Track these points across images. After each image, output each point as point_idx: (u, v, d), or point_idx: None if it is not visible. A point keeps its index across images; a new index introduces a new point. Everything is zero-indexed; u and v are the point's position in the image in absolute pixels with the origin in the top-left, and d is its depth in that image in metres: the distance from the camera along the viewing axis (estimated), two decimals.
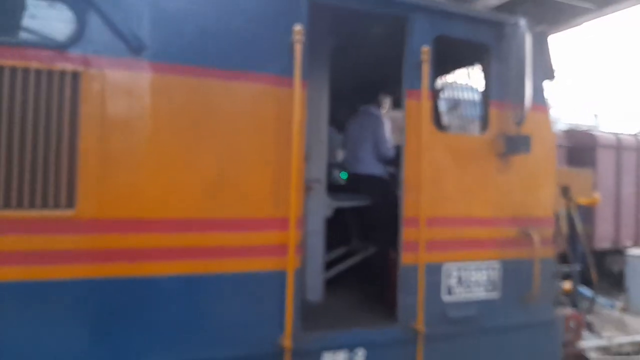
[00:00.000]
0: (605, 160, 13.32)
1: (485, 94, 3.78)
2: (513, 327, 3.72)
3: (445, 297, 3.52)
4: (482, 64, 3.93)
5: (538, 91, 3.76)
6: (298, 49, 3.02)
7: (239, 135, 2.98)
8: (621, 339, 9.12)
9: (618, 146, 13.95)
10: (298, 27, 3.01)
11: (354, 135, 4.72)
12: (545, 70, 3.86)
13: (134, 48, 2.74)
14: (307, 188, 3.80)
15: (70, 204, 2.65)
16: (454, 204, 3.57)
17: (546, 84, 3.93)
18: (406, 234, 3.41)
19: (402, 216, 3.42)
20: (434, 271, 3.47)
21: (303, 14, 3.09)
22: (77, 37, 2.66)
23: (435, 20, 3.51)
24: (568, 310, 4.20)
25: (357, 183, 4.69)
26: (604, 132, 16.12)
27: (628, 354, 8.74)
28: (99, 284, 2.69)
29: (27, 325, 2.57)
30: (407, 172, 3.43)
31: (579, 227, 4.43)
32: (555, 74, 3.92)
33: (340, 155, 5.95)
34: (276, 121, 3.05)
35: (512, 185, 3.73)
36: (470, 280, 3.59)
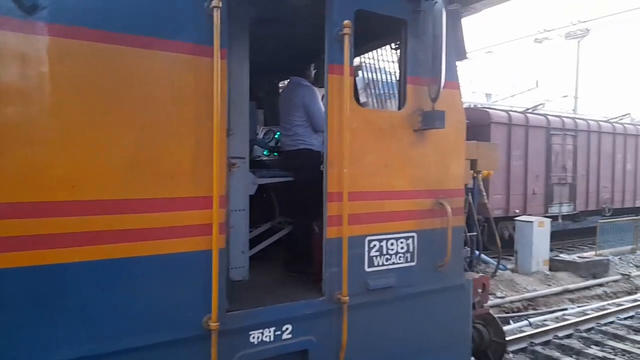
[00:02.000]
0: (497, 136, 14.46)
1: (402, 70, 3.87)
2: (428, 293, 3.94)
3: (367, 268, 3.63)
4: (398, 39, 4.01)
5: (451, 68, 3.91)
6: (217, 15, 2.86)
7: (154, 109, 2.78)
8: (513, 297, 10.17)
9: (509, 123, 15.21)
10: None
11: (285, 109, 4.56)
12: (457, 49, 4.03)
13: (26, 7, 2.41)
14: (231, 165, 3.69)
15: None
16: (375, 178, 3.65)
17: (457, 62, 4.12)
18: (330, 208, 3.45)
19: (326, 191, 3.45)
20: (357, 243, 3.56)
21: None
22: None
23: None
24: (476, 274, 4.55)
25: (289, 159, 4.59)
26: (497, 109, 17.49)
27: (519, 309, 9.78)
28: None
29: None
30: (330, 148, 3.44)
31: (485, 197, 4.80)
32: (466, 54, 4.13)
33: (261, 131, 5.85)
34: (195, 93, 2.89)
35: (428, 158, 3.89)
36: (390, 250, 3.73)
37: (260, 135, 5.67)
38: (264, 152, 5.46)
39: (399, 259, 3.78)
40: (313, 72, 4.71)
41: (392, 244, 3.73)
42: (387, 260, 3.71)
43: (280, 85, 6.43)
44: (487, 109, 16.21)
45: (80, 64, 2.58)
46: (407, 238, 3.81)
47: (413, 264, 3.85)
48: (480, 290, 4.47)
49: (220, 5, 2.86)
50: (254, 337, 3.18)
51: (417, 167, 3.85)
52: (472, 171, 4.57)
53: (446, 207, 3.89)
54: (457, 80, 4.09)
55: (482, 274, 4.62)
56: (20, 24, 2.42)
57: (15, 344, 2.46)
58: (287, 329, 3.30)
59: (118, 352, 2.71)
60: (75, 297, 2.60)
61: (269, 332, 3.23)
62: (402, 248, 3.78)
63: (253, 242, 4.36)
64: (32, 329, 2.49)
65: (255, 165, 4.64)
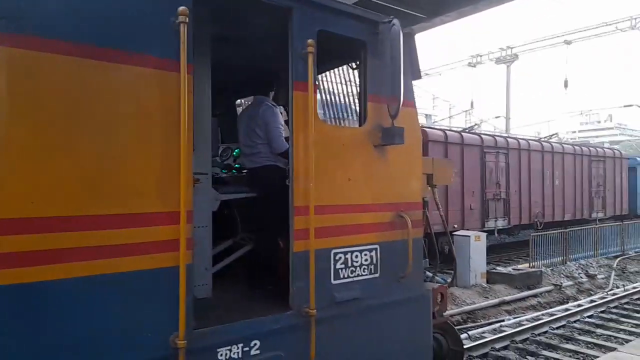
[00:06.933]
0: (435, 154, 15.03)
1: (363, 89, 4.02)
2: (391, 304, 4.05)
3: (334, 281, 3.68)
4: (357, 59, 4.16)
5: (408, 88, 4.10)
6: (184, 31, 2.87)
7: (119, 123, 2.74)
8: (452, 310, 10.45)
9: (445, 141, 15.93)
10: (183, 8, 2.86)
11: (248, 127, 4.57)
12: (412, 69, 4.24)
13: None
14: (194, 181, 3.64)
15: None
16: (339, 192, 3.74)
17: (412, 82, 4.33)
18: (297, 222, 3.49)
19: (292, 205, 3.49)
20: (323, 256, 3.61)
21: None
22: None
23: (318, 13, 3.62)
24: (435, 284, 4.71)
25: (254, 176, 4.58)
26: (434, 128, 18.28)
27: (459, 322, 10.04)
28: None
29: None
30: (296, 163, 3.50)
31: (441, 210, 5.00)
32: (420, 74, 4.34)
33: (219, 149, 5.80)
34: (161, 108, 2.87)
35: (388, 173, 4.04)
36: (355, 262, 3.81)
37: (218, 153, 5.62)
38: (223, 170, 5.42)
39: (364, 271, 3.86)
40: (271, 92, 4.78)
41: (356, 256, 3.81)
42: (352, 272, 3.78)
43: (237, 103, 6.44)
44: (425, 128, 16.94)
45: (42, 76, 2.51)
46: (370, 250, 3.91)
47: (377, 275, 3.94)
48: (439, 300, 4.63)
49: (187, 21, 2.88)
50: (221, 355, 3.12)
51: (378, 181, 3.98)
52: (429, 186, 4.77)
53: (407, 219, 4.04)
54: (413, 99, 4.30)
55: (440, 284, 4.79)
56: None
57: None
58: (255, 344, 3.27)
59: None
60: (34, 319, 2.46)
61: (237, 348, 3.19)
62: (366, 260, 3.87)
63: (215, 260, 4.29)
64: None
65: (215, 182, 4.59)
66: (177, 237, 2.87)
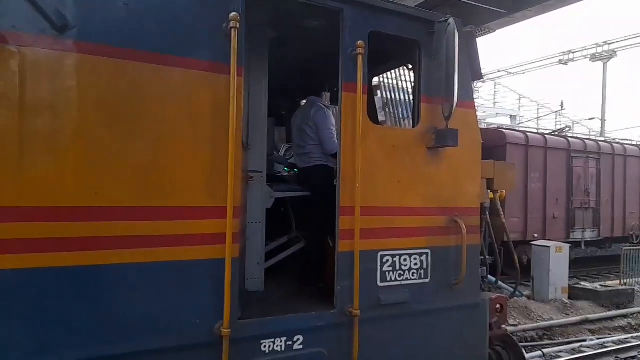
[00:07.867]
0: (514, 157, 14.09)
1: (417, 89, 3.95)
2: (442, 310, 3.93)
3: (380, 283, 3.64)
4: (413, 60, 4.10)
5: (466, 88, 3.97)
6: (234, 35, 3.01)
7: (172, 122, 2.93)
8: (526, 325, 9.83)
9: (527, 144, 14.96)
10: (234, 14, 3.01)
11: (299, 128, 4.68)
12: (472, 70, 4.09)
13: (57, 26, 2.58)
14: (248, 178, 3.78)
15: None
16: (388, 194, 3.70)
17: (473, 83, 4.17)
18: (342, 222, 3.50)
19: (339, 205, 3.51)
20: (369, 258, 3.59)
21: (239, 1, 3.09)
22: None
23: (369, 14, 3.61)
24: (492, 294, 4.49)
25: (305, 176, 4.68)
26: (514, 130, 17.29)
27: (533, 339, 9.39)
28: (19, 275, 2.54)
29: None
30: (344, 163, 3.51)
31: (503, 217, 4.76)
32: (481, 74, 4.18)
33: (282, 148, 5.97)
34: (212, 108, 3.03)
35: (442, 176, 3.92)
36: (403, 266, 3.74)
37: (282, 152, 5.79)
38: (285, 169, 5.57)
39: (413, 275, 3.78)
40: (327, 93, 4.83)
41: (405, 260, 3.75)
42: (400, 275, 3.72)
43: (302, 104, 6.58)
44: (503, 130, 16.06)
45: (103, 80, 2.75)
46: (420, 254, 3.82)
47: (427, 280, 3.85)
48: (497, 311, 4.40)
49: (238, 26, 3.01)
50: (265, 346, 3.23)
51: (431, 184, 3.88)
52: (489, 190, 4.56)
53: (461, 224, 3.89)
54: (472, 99, 4.14)
55: (499, 294, 4.56)
56: (51, 41, 2.60)
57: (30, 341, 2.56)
58: (298, 339, 3.33)
59: (130, 353, 2.79)
60: (92, 299, 2.71)
61: (280, 341, 3.27)
62: (415, 264, 3.79)
63: (272, 255, 4.41)
64: (50, 328, 2.60)
65: (276, 180, 4.73)
66: (224, 231, 3.01)
